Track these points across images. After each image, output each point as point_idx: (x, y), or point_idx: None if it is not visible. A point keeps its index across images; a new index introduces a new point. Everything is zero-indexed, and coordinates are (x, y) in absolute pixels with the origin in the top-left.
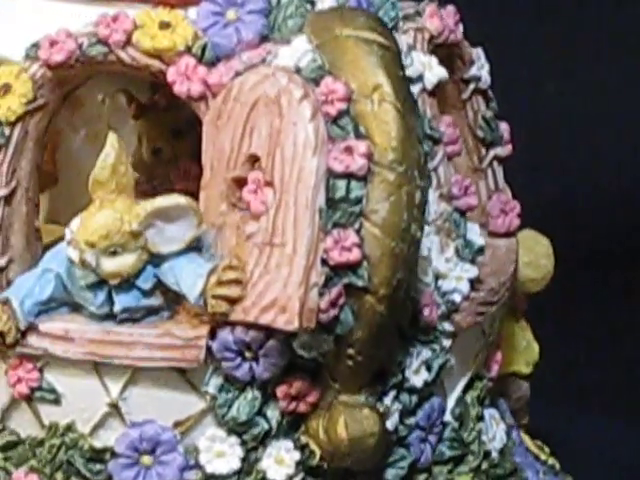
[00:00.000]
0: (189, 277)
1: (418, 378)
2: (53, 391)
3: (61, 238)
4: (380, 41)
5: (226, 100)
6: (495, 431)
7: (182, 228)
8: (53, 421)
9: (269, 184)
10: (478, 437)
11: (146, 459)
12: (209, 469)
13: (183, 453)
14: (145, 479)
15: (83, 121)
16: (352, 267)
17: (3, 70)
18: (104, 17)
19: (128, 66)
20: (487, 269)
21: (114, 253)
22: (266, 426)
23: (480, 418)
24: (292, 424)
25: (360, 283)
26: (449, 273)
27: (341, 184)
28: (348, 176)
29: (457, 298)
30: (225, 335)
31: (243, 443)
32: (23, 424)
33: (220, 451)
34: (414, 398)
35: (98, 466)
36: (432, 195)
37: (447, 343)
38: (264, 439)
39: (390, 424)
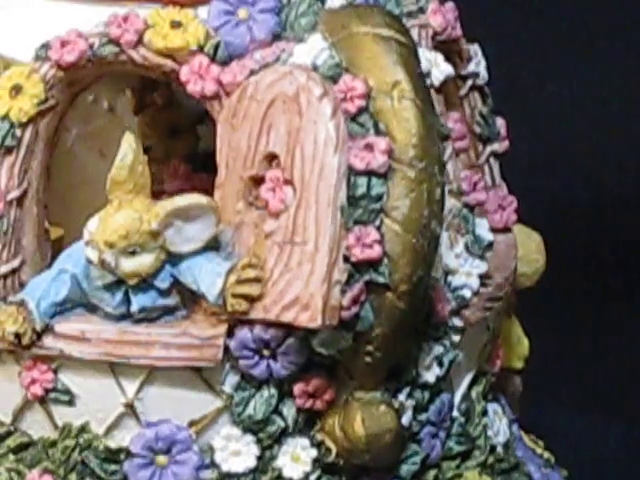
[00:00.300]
0: (208, 276)
1: (430, 374)
2: (68, 392)
3: (58, 238)
4: (398, 38)
5: (241, 99)
6: (499, 426)
7: (201, 227)
8: (67, 422)
9: (288, 182)
10: (484, 432)
11: (161, 459)
12: (225, 468)
13: (198, 452)
14: (161, 479)
15: (74, 121)
16: (373, 264)
17: (13, 71)
18: (115, 17)
19: (139, 66)
20: (491, 265)
21: (133, 253)
22: (282, 424)
23: (484, 413)
24: (307, 422)
25: (381, 280)
26: (459, 269)
27: (362, 181)
28: (369, 173)
29: (467, 294)
30: (243, 333)
31: (258, 441)
32: (35, 425)
33: (235, 450)
34: (426, 394)
35: (113, 466)
36: None
37: (456, 338)
38: (280, 437)
39: (405, 420)
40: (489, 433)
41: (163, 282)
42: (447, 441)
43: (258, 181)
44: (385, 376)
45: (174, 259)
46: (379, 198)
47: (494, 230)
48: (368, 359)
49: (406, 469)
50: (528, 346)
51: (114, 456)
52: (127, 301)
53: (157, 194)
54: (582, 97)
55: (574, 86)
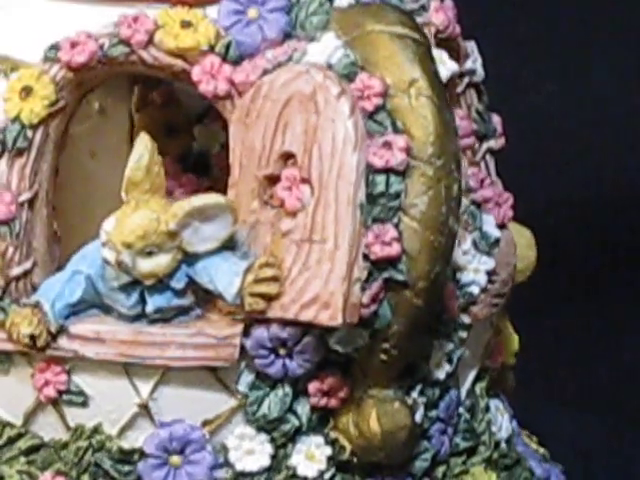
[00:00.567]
0: (225, 276)
1: (441, 371)
2: (81, 393)
3: None
4: (413, 36)
5: (255, 98)
6: (501, 421)
7: (218, 227)
8: (79, 423)
9: (305, 181)
10: (488, 428)
11: (175, 459)
12: (239, 467)
13: (212, 452)
14: (175, 479)
15: None
16: (392, 261)
17: (22, 73)
18: (125, 17)
19: (150, 66)
20: (496, 261)
21: (150, 254)
22: (296, 422)
23: (487, 409)
24: (321, 420)
25: (400, 277)
26: (467, 265)
27: (380, 179)
28: (387, 171)
29: (475, 290)
30: (260, 332)
31: (272, 440)
32: (46, 427)
33: (249, 449)
34: (437, 391)
35: (127, 467)
36: None
37: (464, 335)
38: (294, 436)
39: (417, 417)
40: (493, 429)
41: (179, 282)
42: (454, 437)
43: (273, 180)
44: (399, 373)
45: (190, 259)
46: (397, 196)
47: None
48: (384, 357)
49: (418, 466)
50: (518, 342)
51: (128, 457)
52: (142, 302)
53: None
54: (582, 97)
55: (574, 86)
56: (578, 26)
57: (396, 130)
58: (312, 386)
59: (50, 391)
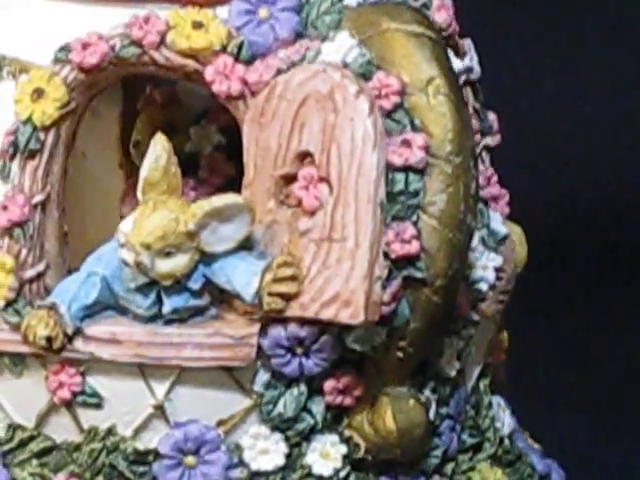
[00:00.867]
0: (243, 275)
1: (451, 368)
2: (96, 395)
3: None
4: (429, 34)
5: (269, 98)
6: (503, 417)
7: (235, 227)
8: (93, 425)
9: (324, 180)
10: (492, 424)
11: (190, 459)
12: (254, 466)
13: (227, 452)
14: (190, 479)
15: None
16: (411, 259)
17: (33, 74)
18: (136, 18)
19: (161, 67)
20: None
21: (168, 254)
22: (311, 421)
23: (490, 405)
24: (335, 418)
25: (419, 275)
26: (475, 262)
27: (400, 177)
28: (406, 169)
29: (484, 287)
30: (277, 332)
31: (287, 439)
32: (59, 429)
33: (264, 448)
34: (448, 388)
35: (142, 468)
36: None
37: (472, 332)
38: (308, 434)
39: (430, 414)
40: (497, 425)
41: (196, 283)
42: (461, 434)
43: (289, 179)
44: (412, 371)
45: (207, 259)
46: (416, 194)
47: None
48: (400, 354)
49: (428, 462)
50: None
51: (143, 458)
52: (158, 302)
53: None
54: (582, 97)
55: (574, 86)
56: (578, 26)
57: (414, 128)
58: (327, 385)
59: (64, 393)
